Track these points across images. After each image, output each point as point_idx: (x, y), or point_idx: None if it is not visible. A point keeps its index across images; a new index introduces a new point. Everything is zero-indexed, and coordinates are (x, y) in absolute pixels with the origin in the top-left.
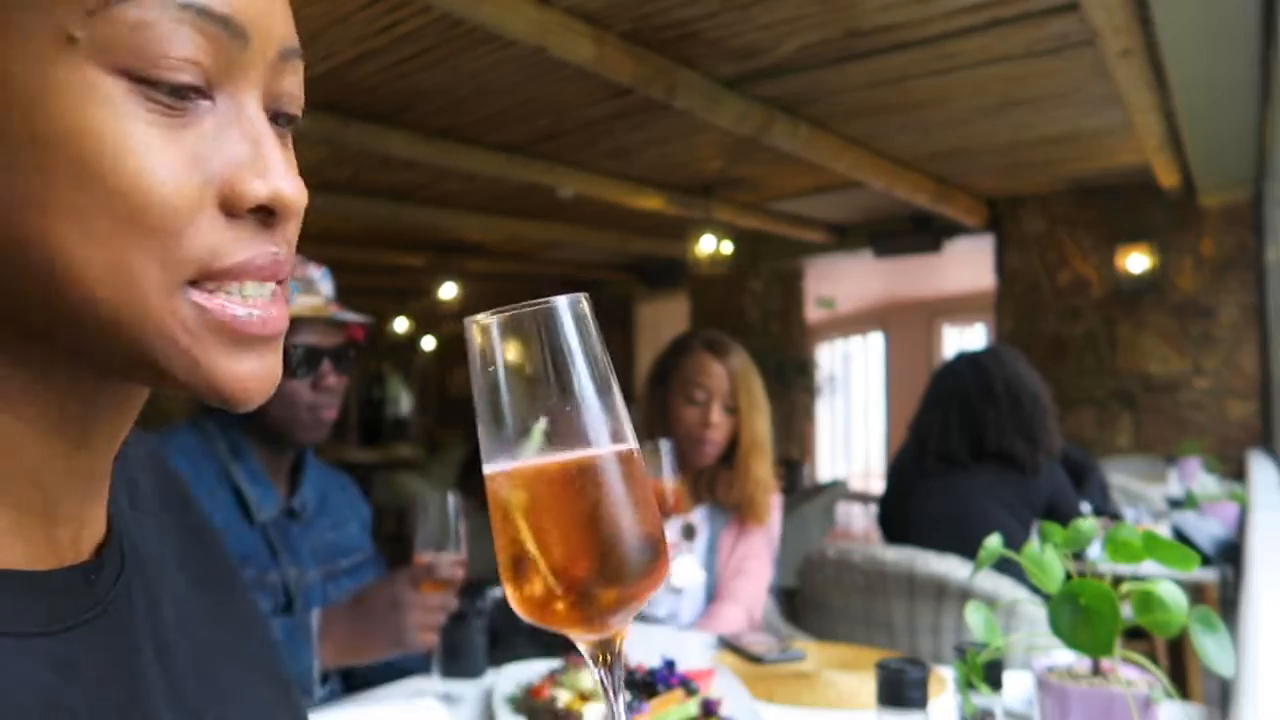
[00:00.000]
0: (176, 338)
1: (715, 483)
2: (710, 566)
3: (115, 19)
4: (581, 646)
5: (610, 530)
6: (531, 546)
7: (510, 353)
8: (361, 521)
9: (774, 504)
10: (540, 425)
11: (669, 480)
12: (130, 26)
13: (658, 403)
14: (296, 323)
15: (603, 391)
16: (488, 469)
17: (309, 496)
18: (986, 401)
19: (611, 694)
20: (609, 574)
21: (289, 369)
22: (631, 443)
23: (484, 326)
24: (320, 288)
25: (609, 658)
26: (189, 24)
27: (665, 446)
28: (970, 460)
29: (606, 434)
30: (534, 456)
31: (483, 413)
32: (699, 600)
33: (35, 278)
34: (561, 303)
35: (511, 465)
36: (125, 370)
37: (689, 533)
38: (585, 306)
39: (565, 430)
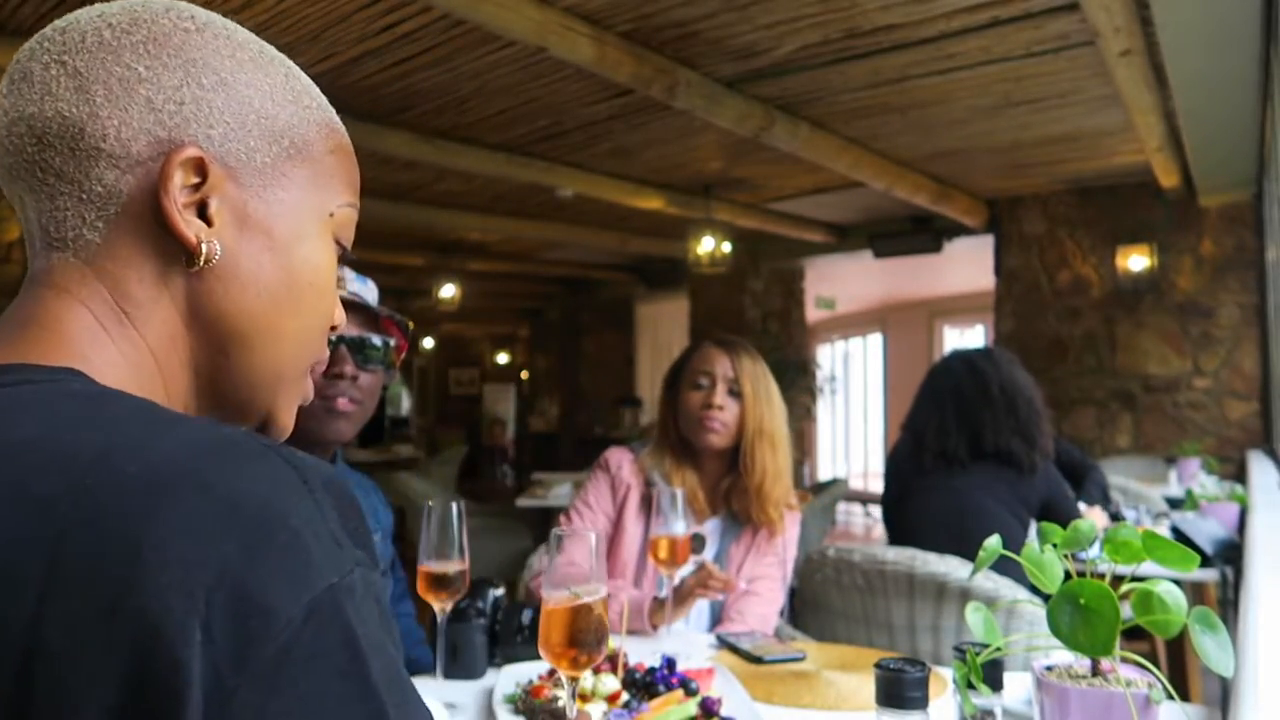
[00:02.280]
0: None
1: (731, 493)
2: None
3: (340, 213)
4: (563, 675)
5: (582, 632)
6: (552, 634)
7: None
8: (385, 530)
9: (791, 521)
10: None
11: (678, 530)
12: (343, 219)
13: (670, 404)
14: None
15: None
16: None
17: None
18: (983, 403)
19: (570, 701)
20: (577, 650)
21: None
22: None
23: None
24: (346, 285)
25: (574, 681)
26: (355, 217)
27: (679, 495)
28: (969, 459)
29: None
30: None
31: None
32: (704, 619)
33: (270, 347)
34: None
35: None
36: (271, 403)
37: (700, 544)
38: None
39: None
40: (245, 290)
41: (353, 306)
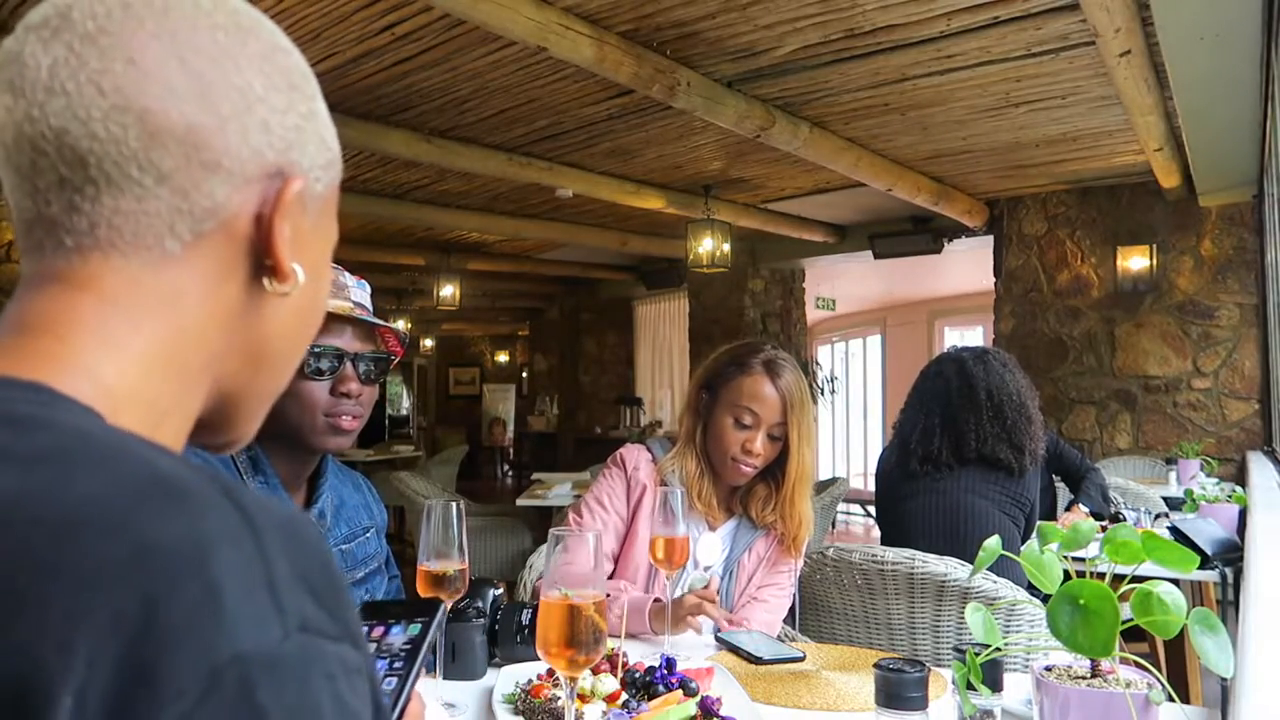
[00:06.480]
0: None
1: (750, 497)
2: (725, 591)
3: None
4: (562, 675)
5: (577, 632)
6: (549, 634)
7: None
8: (378, 528)
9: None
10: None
11: (678, 532)
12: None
13: (702, 410)
14: (324, 322)
15: (595, 579)
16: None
17: (327, 506)
18: (967, 408)
19: (569, 701)
20: (575, 650)
21: (307, 368)
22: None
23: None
24: (350, 293)
25: (573, 681)
26: None
27: (677, 496)
28: (955, 463)
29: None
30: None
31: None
32: (709, 622)
33: (286, 370)
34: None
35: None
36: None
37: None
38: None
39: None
40: (292, 314)
41: (355, 321)
